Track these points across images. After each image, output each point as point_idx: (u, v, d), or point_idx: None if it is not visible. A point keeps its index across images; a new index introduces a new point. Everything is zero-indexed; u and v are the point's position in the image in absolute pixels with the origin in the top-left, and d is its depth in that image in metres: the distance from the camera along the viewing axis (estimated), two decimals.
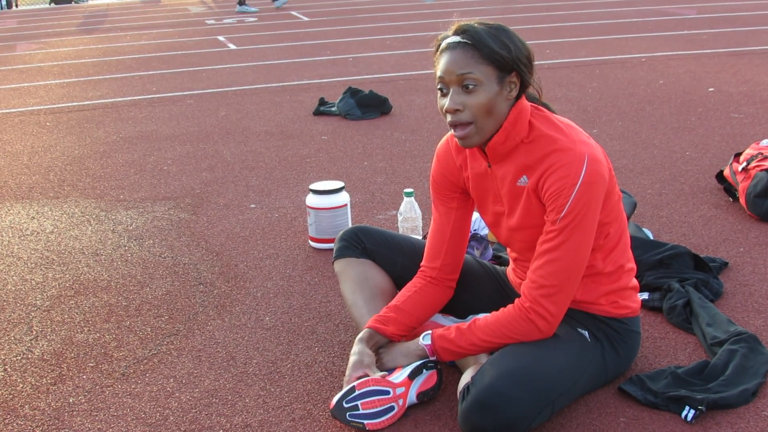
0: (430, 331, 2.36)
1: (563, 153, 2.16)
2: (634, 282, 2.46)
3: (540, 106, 2.30)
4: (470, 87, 2.14)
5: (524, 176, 2.24)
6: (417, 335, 2.50)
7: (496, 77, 2.15)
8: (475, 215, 3.50)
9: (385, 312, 2.46)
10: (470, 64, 2.13)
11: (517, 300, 2.26)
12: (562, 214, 2.15)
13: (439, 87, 2.21)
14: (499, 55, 2.13)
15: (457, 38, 2.17)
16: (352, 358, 2.37)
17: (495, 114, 2.18)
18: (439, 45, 2.22)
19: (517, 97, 2.22)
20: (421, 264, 2.55)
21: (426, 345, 2.35)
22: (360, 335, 2.43)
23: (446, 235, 2.49)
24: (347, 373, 2.35)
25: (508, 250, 2.55)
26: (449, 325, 2.57)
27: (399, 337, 2.44)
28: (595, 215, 2.19)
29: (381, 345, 2.43)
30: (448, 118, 2.20)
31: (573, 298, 2.32)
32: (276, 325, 2.95)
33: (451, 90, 2.17)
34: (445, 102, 2.18)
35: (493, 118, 2.18)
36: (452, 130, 2.22)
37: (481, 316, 2.58)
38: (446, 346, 2.31)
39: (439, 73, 2.19)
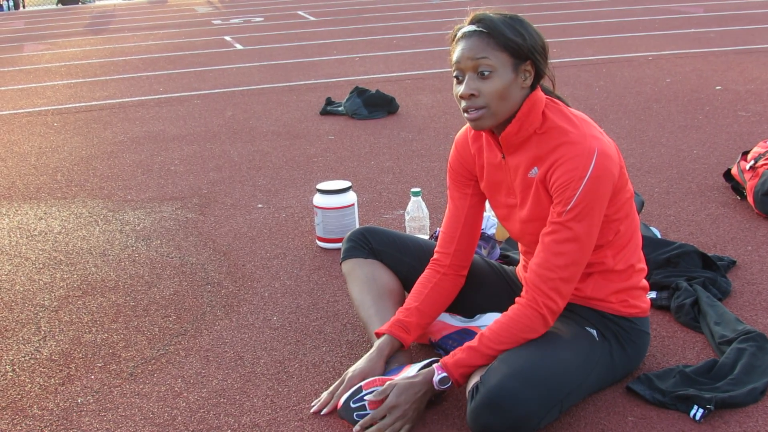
0: (443, 374, 2.23)
1: (572, 146, 2.17)
2: (644, 283, 2.46)
3: (555, 99, 2.31)
4: (485, 73, 2.15)
5: (535, 167, 2.25)
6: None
7: (511, 64, 2.17)
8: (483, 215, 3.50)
9: (405, 316, 2.45)
10: (485, 50, 2.15)
11: (524, 297, 2.24)
12: (568, 207, 2.15)
13: (454, 74, 2.22)
14: (513, 42, 2.15)
15: (472, 27, 2.19)
16: (363, 365, 2.38)
17: (509, 100, 2.19)
18: (455, 35, 2.24)
19: (532, 88, 2.24)
20: (435, 251, 2.56)
21: (447, 387, 2.25)
22: (380, 343, 2.42)
23: (460, 221, 2.50)
24: (350, 374, 2.37)
25: (519, 245, 2.55)
26: (456, 324, 2.58)
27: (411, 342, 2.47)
28: (601, 209, 2.19)
29: (394, 354, 2.44)
30: (463, 103, 2.20)
31: (583, 294, 2.34)
32: (284, 325, 2.96)
33: (467, 76, 2.18)
34: (461, 88, 2.19)
35: (507, 104, 2.20)
36: (465, 114, 2.22)
37: (487, 315, 2.59)
38: (466, 372, 2.24)
39: (454, 60, 2.20)
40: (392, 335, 2.42)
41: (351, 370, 2.39)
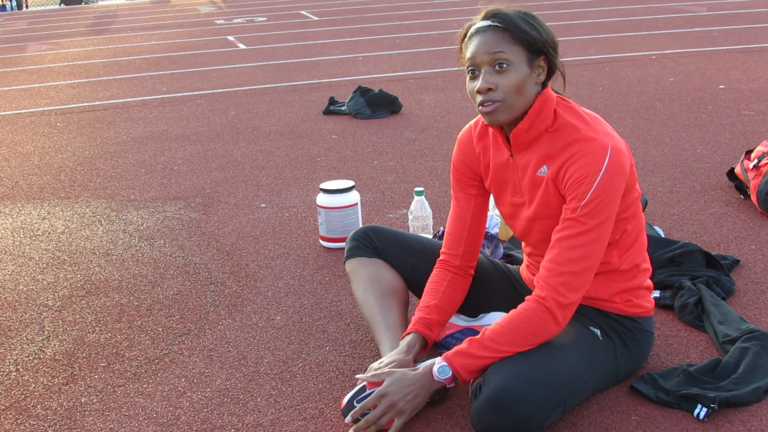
0: (443, 363, 2.18)
1: (586, 142, 2.16)
2: (649, 282, 2.45)
3: (566, 98, 2.30)
4: (502, 67, 2.14)
5: (545, 166, 2.24)
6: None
7: (526, 59, 2.16)
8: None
9: (426, 314, 2.43)
10: (501, 44, 2.14)
11: (532, 294, 2.21)
12: (583, 202, 2.13)
13: (469, 70, 2.19)
14: (529, 36, 2.15)
15: (487, 22, 2.17)
16: (394, 356, 2.32)
17: (524, 94, 2.18)
18: (467, 31, 2.22)
19: (544, 85, 2.23)
20: (442, 252, 2.54)
21: (446, 378, 2.19)
22: (408, 341, 2.37)
23: (467, 222, 2.49)
24: (378, 367, 2.30)
25: (523, 244, 2.54)
26: (460, 324, 2.58)
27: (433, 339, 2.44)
28: (615, 205, 2.17)
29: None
30: (478, 98, 2.18)
31: (587, 294, 2.32)
32: (287, 325, 2.96)
33: (483, 70, 2.16)
34: (476, 84, 2.17)
35: (522, 98, 2.18)
36: (480, 108, 2.20)
37: (491, 314, 2.59)
38: (467, 364, 2.17)
39: (469, 56, 2.18)
40: (418, 332, 2.39)
41: (378, 363, 2.32)
